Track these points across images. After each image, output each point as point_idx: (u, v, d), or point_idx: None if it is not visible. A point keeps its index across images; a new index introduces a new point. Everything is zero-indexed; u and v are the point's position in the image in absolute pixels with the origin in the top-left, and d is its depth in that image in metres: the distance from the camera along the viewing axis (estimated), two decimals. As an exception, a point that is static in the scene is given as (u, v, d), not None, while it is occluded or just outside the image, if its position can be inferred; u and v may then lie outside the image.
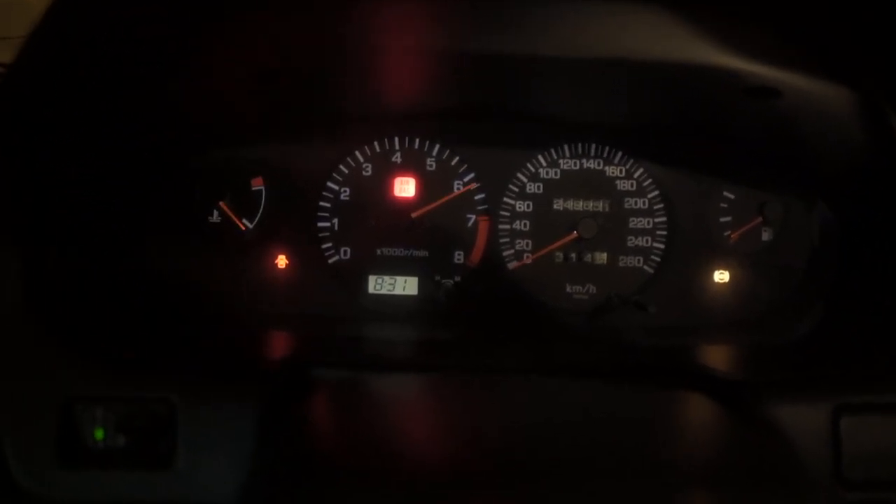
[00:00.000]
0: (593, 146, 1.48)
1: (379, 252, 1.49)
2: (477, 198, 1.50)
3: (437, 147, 1.49)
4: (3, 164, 0.92)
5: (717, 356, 1.27)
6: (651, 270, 1.49)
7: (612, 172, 1.49)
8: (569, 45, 0.98)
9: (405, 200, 1.49)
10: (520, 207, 1.50)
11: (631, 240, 1.49)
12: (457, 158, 1.49)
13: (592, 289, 1.50)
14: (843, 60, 0.96)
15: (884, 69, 0.95)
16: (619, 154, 1.48)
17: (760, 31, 0.94)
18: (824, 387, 0.96)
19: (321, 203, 1.48)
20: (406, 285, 1.50)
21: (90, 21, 0.86)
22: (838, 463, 0.91)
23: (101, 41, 0.91)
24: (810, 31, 0.93)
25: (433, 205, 1.48)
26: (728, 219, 1.48)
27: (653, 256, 1.49)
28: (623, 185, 1.49)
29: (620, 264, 1.50)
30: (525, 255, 1.50)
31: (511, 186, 1.49)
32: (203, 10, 0.92)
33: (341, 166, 1.48)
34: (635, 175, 1.49)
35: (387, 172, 1.48)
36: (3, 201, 0.93)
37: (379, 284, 1.50)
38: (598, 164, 1.49)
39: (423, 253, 1.50)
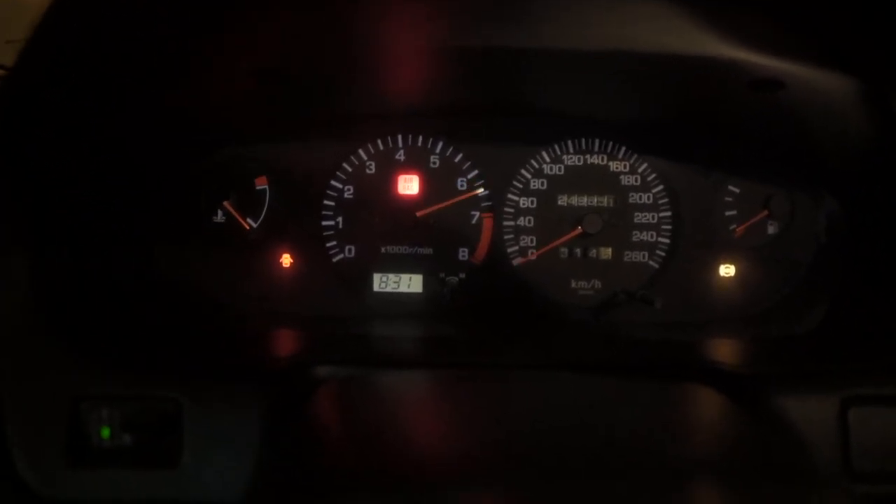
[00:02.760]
0: (597, 141, 1.48)
1: (383, 250, 1.50)
2: (481, 195, 1.49)
3: (440, 144, 1.49)
4: (9, 168, 0.93)
5: (724, 350, 1.27)
6: (656, 265, 1.49)
7: (617, 167, 1.49)
8: (573, 38, 0.98)
9: (409, 198, 1.49)
10: (524, 204, 1.50)
11: (636, 235, 1.49)
12: (460, 155, 1.49)
13: (598, 284, 1.50)
14: (846, 50, 0.96)
15: (888, 58, 0.94)
16: (623, 149, 1.48)
17: (763, 22, 0.94)
18: (832, 379, 0.96)
19: (325, 202, 1.48)
20: (411, 283, 1.50)
21: (90, 22, 0.86)
22: (847, 455, 0.91)
23: (103, 42, 0.92)
24: (813, 20, 0.92)
25: (439, 206, 1.48)
26: (734, 212, 1.47)
27: (658, 251, 1.49)
28: (627, 180, 1.49)
29: (626, 259, 1.49)
30: (530, 251, 1.50)
31: (515, 183, 1.49)
32: (206, 10, 0.92)
33: (345, 164, 1.48)
34: (639, 170, 1.48)
35: (390, 170, 1.48)
36: (10, 205, 0.94)
37: (384, 282, 1.50)
38: (602, 160, 1.49)
39: (427, 250, 1.50)
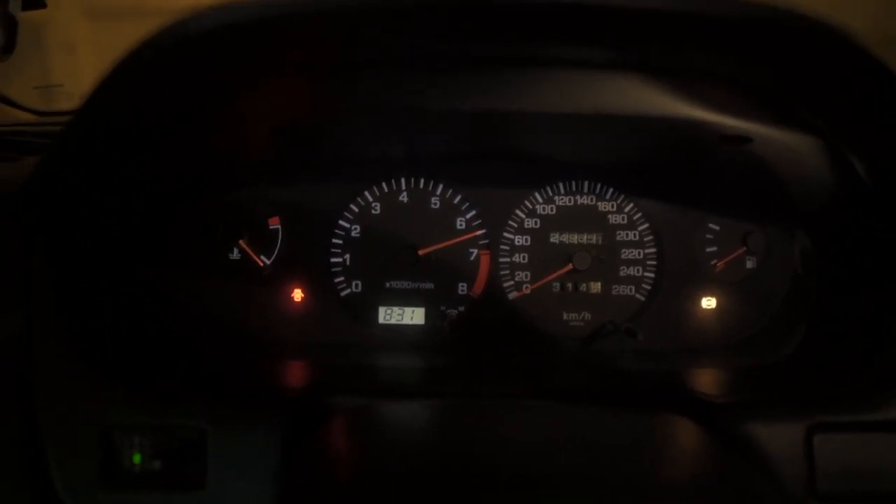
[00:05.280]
0: (586, 183, 1.57)
1: (388, 285, 1.58)
2: (479, 233, 1.59)
3: (440, 187, 1.58)
4: (44, 206, 1.01)
5: (702, 379, 1.33)
6: (642, 298, 1.58)
7: (605, 207, 1.58)
8: (553, 104, 1.09)
9: (412, 237, 1.57)
10: (519, 241, 1.59)
11: (623, 270, 1.58)
12: (459, 197, 1.58)
13: (588, 316, 1.58)
14: (801, 113, 1.06)
15: (839, 119, 1.05)
16: (611, 190, 1.57)
17: (725, 90, 1.05)
18: (799, 407, 1.02)
19: (333, 240, 1.57)
20: (414, 315, 1.58)
21: (133, 91, 0.96)
22: (812, 478, 0.98)
23: (140, 106, 1.02)
24: (768, 88, 1.03)
25: (440, 245, 1.57)
26: (714, 249, 1.56)
27: (644, 285, 1.58)
28: (615, 220, 1.58)
29: (614, 293, 1.58)
30: (524, 285, 1.59)
31: (510, 222, 1.58)
32: (227, 82, 1.03)
33: (352, 205, 1.57)
34: (626, 210, 1.57)
35: (394, 210, 1.58)
36: (41, 240, 1.02)
37: (388, 315, 1.58)
38: (591, 200, 1.58)
39: (429, 285, 1.58)
